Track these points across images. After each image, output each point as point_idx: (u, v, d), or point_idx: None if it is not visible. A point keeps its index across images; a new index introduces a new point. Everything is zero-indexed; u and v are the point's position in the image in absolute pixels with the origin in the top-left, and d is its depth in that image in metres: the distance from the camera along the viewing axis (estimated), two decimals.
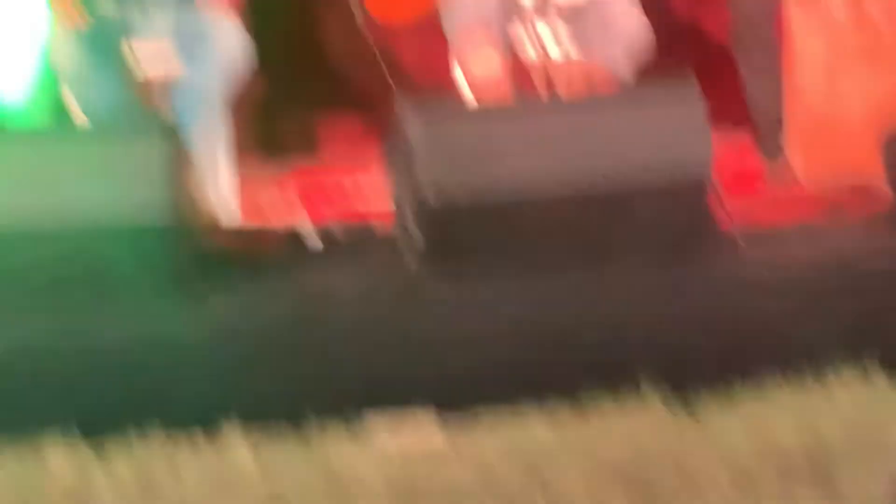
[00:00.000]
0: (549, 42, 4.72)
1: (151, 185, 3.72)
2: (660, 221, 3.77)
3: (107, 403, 3.47)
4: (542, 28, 4.71)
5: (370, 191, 5.27)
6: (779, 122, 5.07)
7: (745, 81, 5.06)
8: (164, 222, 3.68)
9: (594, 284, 3.69)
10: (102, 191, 3.71)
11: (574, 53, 4.69)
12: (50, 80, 4.68)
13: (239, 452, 3.31)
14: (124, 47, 4.36)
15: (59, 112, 5.26)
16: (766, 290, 3.67)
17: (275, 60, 5.56)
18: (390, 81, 5.03)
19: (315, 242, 4.22)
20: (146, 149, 3.77)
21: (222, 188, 4.86)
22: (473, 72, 4.56)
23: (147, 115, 4.52)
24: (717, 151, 3.91)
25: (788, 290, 3.66)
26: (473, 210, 3.68)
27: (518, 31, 4.64)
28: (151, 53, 4.73)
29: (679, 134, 3.82)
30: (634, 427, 3.34)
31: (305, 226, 4.58)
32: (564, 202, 3.71)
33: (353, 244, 4.22)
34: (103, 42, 4.54)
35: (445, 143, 3.73)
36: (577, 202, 3.72)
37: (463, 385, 3.51)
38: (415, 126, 3.72)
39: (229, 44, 4.65)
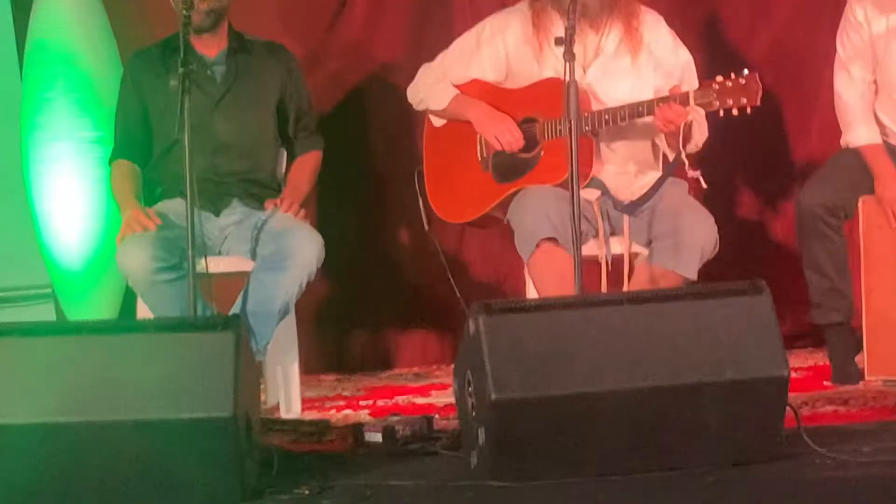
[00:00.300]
0: (615, 240, 4.74)
1: (216, 380, 3.71)
2: (728, 419, 3.70)
3: None
4: (608, 226, 4.73)
5: (433, 389, 5.27)
6: (854, 347, 5.03)
7: (812, 289, 5.03)
8: (227, 415, 3.65)
9: (663, 485, 3.62)
10: (167, 384, 3.70)
11: (640, 251, 4.71)
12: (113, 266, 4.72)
13: None
14: (195, 253, 4.38)
15: (124, 306, 5.35)
16: (837, 489, 3.58)
17: (345, 271, 5.63)
18: (456, 290, 5.04)
19: (376, 437, 4.18)
20: (212, 343, 3.77)
21: (289, 389, 4.87)
22: (540, 269, 4.57)
23: (214, 314, 4.55)
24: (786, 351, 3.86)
25: (859, 489, 3.57)
26: (538, 405, 3.64)
27: (584, 228, 4.66)
28: (225, 264, 4.79)
29: (748, 331, 3.77)
30: None
31: (367, 420, 4.56)
32: (631, 398, 3.66)
33: (413, 439, 4.17)
34: (172, 248, 4.59)
35: (511, 338, 3.70)
36: (643, 398, 3.67)
37: None
38: (481, 322, 3.70)
39: (306, 254, 4.67)
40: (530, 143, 4.82)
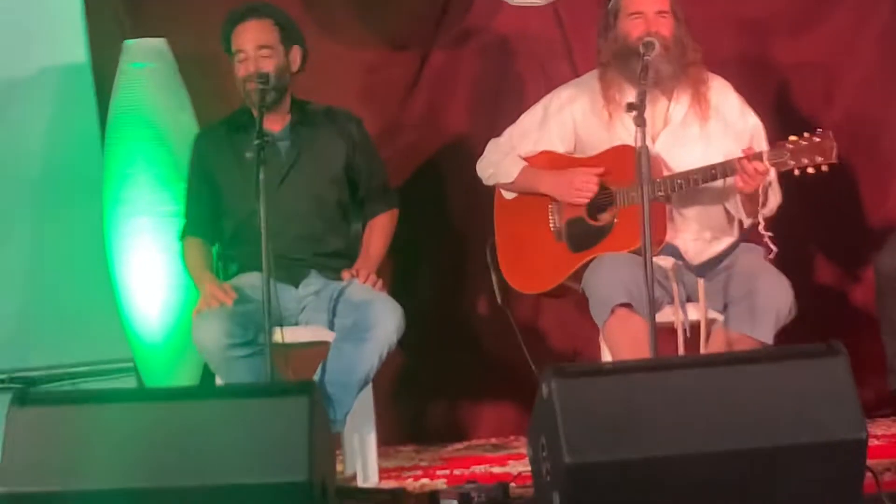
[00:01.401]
0: (691, 306, 4.73)
1: (292, 444, 3.73)
2: (806, 483, 3.67)
3: None
4: (683, 292, 4.72)
5: (510, 459, 5.25)
6: None
7: (890, 354, 4.98)
8: (303, 479, 3.67)
9: None
10: (244, 449, 3.73)
11: (716, 317, 4.69)
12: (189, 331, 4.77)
13: None
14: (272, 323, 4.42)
15: (204, 378, 5.39)
16: None
17: (422, 342, 5.65)
18: (530, 361, 5.04)
19: None
20: (286, 408, 3.80)
21: (366, 457, 4.88)
22: (615, 335, 4.57)
23: (290, 382, 4.58)
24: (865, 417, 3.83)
25: None
26: (612, 469, 3.62)
27: (660, 294, 4.65)
28: (302, 333, 4.83)
29: (824, 394, 3.74)
30: None
31: (443, 488, 4.55)
32: (707, 462, 3.64)
33: None
34: (247, 323, 4.63)
35: (585, 402, 3.69)
36: (719, 462, 3.64)
37: None
38: (555, 387, 3.70)
39: (387, 325, 4.70)
40: (603, 212, 4.83)
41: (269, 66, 4.85)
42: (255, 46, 4.86)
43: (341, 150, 5.01)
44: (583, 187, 4.80)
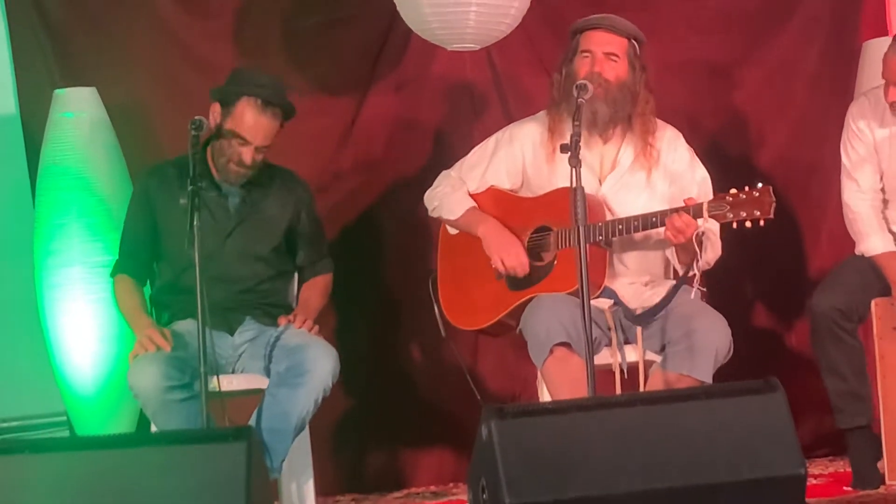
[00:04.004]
0: (629, 348, 4.73)
1: (228, 492, 3.69)
2: None
3: None
4: (621, 334, 4.72)
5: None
6: (876, 451, 4.98)
7: (832, 394, 5.00)
8: None
9: None
10: (179, 497, 3.68)
11: (654, 359, 4.69)
12: (127, 391, 4.70)
13: None
14: (207, 371, 4.38)
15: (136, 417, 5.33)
16: None
17: (361, 390, 5.62)
18: (475, 391, 5.02)
19: None
20: (223, 455, 3.75)
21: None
22: (553, 375, 4.55)
23: (226, 428, 4.52)
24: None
25: None
26: None
27: (598, 336, 4.65)
28: (238, 381, 4.78)
29: (763, 430, 3.75)
30: None
31: None
32: (647, 499, 3.63)
33: None
34: (184, 367, 4.58)
35: (525, 442, 3.68)
36: (659, 499, 3.63)
37: None
38: (495, 428, 3.68)
39: (321, 369, 4.65)
40: (544, 251, 4.83)
41: (259, 157, 4.84)
42: (262, 140, 4.81)
43: (288, 214, 4.99)
44: (509, 266, 4.80)
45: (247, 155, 4.81)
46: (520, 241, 4.85)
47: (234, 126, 4.80)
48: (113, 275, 4.95)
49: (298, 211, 5.01)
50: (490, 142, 5.00)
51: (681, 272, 4.77)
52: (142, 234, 4.93)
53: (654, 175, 4.84)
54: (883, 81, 4.91)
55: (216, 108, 4.84)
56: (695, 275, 4.65)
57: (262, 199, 4.95)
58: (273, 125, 4.83)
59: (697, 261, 4.65)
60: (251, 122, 4.80)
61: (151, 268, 4.95)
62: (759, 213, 4.51)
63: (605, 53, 4.80)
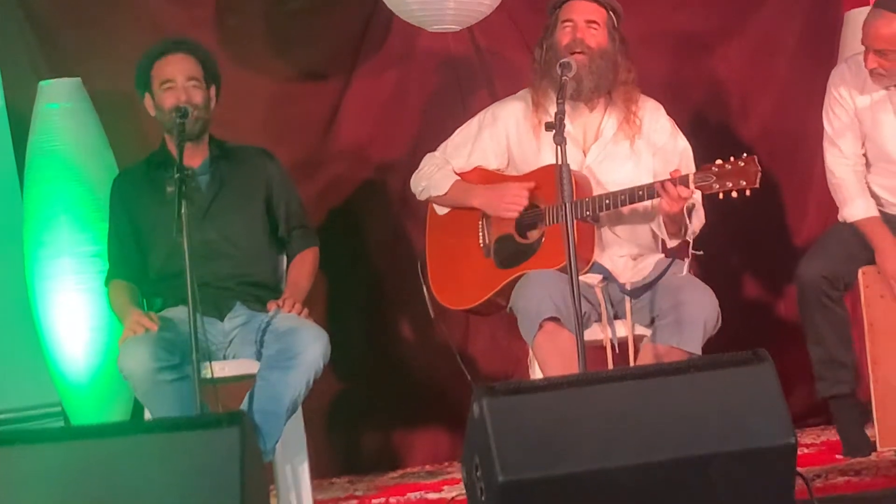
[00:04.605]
0: (619, 323, 4.75)
1: (223, 478, 3.70)
2: (737, 490, 3.68)
3: None
4: (611, 309, 4.74)
5: (445, 484, 5.24)
6: (861, 418, 5.01)
7: (815, 362, 5.02)
8: None
9: None
10: (174, 484, 3.69)
11: (644, 333, 4.71)
12: (120, 379, 4.72)
13: None
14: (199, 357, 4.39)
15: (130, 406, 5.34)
16: None
17: (353, 372, 5.64)
18: (466, 373, 5.03)
19: None
20: (217, 441, 3.76)
21: (299, 490, 4.84)
22: (544, 350, 4.57)
23: (219, 413, 4.53)
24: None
25: None
26: (546, 485, 3.61)
27: (588, 311, 4.67)
28: (230, 367, 4.79)
29: (752, 401, 3.76)
30: None
31: None
32: (639, 473, 3.64)
33: None
34: (173, 349, 4.59)
35: (516, 419, 3.69)
36: (651, 472, 3.65)
37: None
38: (486, 406, 3.69)
39: (312, 351, 4.66)
40: (531, 229, 4.85)
41: (198, 97, 4.86)
42: (185, 77, 4.86)
43: (261, 184, 5.00)
44: (513, 201, 4.82)
45: (181, 94, 4.81)
46: (508, 181, 4.85)
47: (158, 85, 4.86)
48: (106, 283, 4.98)
49: (269, 179, 5.01)
50: (473, 123, 5.02)
51: (669, 243, 4.79)
52: (124, 237, 4.96)
53: (637, 144, 4.86)
54: (863, 48, 4.92)
55: (147, 100, 4.91)
56: (688, 243, 4.67)
57: (231, 172, 4.96)
58: (188, 60, 4.87)
59: (687, 229, 4.67)
60: (165, 63, 4.87)
61: (143, 266, 4.96)
62: (744, 183, 4.53)
63: (586, 21, 4.82)
